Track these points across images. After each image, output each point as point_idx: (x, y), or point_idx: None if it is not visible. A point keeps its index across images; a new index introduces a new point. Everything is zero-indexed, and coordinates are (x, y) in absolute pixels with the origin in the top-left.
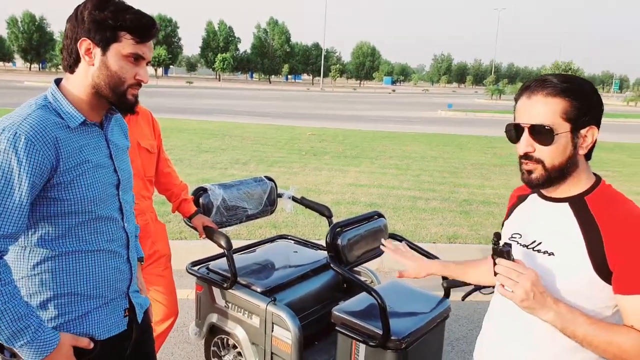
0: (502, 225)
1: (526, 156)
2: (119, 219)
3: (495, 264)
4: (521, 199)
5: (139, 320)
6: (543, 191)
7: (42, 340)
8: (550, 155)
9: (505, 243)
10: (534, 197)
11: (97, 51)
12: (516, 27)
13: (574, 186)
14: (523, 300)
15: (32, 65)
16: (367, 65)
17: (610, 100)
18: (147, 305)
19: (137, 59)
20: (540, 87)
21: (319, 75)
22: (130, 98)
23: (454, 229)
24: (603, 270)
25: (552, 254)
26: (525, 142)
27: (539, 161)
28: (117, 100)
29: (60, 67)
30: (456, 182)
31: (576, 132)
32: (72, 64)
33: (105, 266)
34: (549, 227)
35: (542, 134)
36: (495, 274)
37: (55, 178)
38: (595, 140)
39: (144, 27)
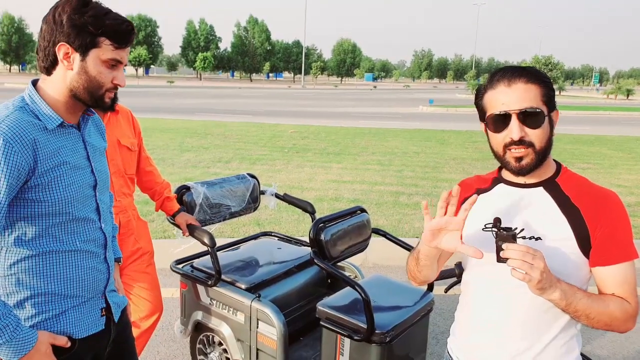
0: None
1: (520, 141)
2: (96, 219)
3: (501, 249)
4: (481, 191)
5: (116, 320)
6: (514, 179)
7: (20, 339)
8: (539, 137)
9: (509, 227)
10: (501, 187)
11: (76, 56)
12: (496, 21)
13: (544, 170)
14: (540, 282)
15: (12, 67)
16: (348, 62)
17: (591, 93)
18: (125, 304)
19: (115, 63)
20: (518, 75)
21: (300, 73)
22: (107, 101)
23: None
24: (586, 247)
25: (539, 238)
26: (518, 128)
27: (530, 144)
28: (94, 103)
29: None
30: (438, 177)
31: (549, 115)
32: (48, 67)
33: (82, 266)
34: (528, 213)
35: (533, 117)
36: (500, 259)
37: (33, 180)
38: None
39: (123, 32)
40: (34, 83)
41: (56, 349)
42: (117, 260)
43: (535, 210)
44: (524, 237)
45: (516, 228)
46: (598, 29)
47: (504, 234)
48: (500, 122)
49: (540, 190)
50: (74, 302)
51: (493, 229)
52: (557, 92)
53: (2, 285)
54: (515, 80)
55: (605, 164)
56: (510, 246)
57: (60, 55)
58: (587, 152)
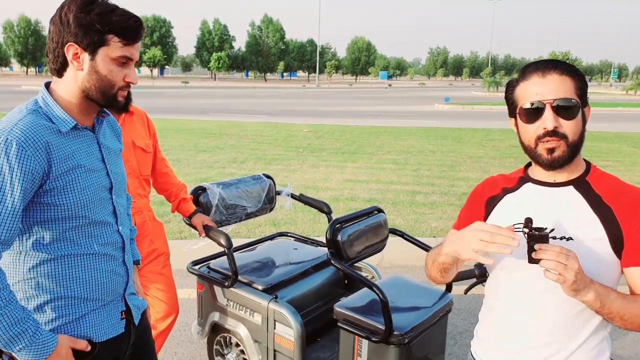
0: (485, 214)
1: (554, 132)
2: (113, 222)
3: (532, 250)
4: (507, 190)
5: (136, 323)
6: (543, 177)
7: (40, 343)
8: (573, 129)
9: (541, 227)
10: (528, 186)
11: (85, 56)
12: (512, 18)
13: (574, 168)
14: (574, 282)
15: (29, 70)
16: (362, 61)
17: (610, 90)
18: (145, 307)
19: (125, 61)
20: (552, 67)
21: (315, 72)
22: (121, 100)
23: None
24: (619, 247)
25: (571, 238)
26: (552, 118)
27: (563, 136)
28: (107, 103)
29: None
30: (455, 176)
31: (582, 109)
32: (59, 68)
33: (101, 269)
34: (559, 213)
35: (568, 108)
36: (532, 260)
37: (48, 183)
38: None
39: (131, 28)
40: (47, 85)
41: (76, 353)
42: (137, 262)
43: (565, 210)
44: (554, 238)
45: (546, 228)
46: (617, 25)
47: (536, 234)
48: (533, 113)
49: (571, 189)
50: (93, 305)
51: (524, 230)
52: None
53: (22, 289)
54: (549, 72)
55: (625, 162)
56: (544, 246)
57: (69, 56)
58: (607, 149)
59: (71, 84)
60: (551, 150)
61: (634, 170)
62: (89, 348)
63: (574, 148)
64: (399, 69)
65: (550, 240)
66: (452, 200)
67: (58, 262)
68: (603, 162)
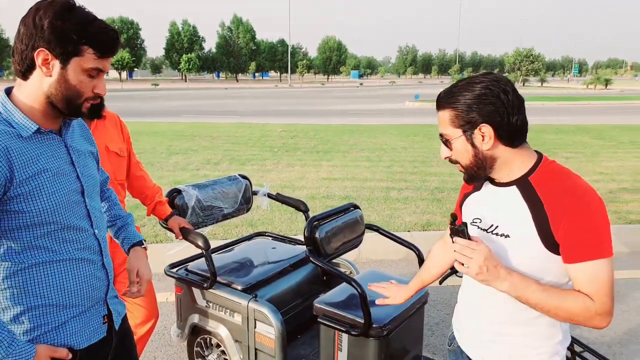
0: (460, 209)
1: (450, 159)
2: (88, 226)
3: (453, 242)
4: (476, 186)
5: (116, 327)
6: (495, 178)
7: (16, 354)
8: (458, 157)
9: (463, 223)
10: (487, 185)
11: (56, 63)
12: (478, 15)
13: (514, 170)
14: (477, 274)
15: None
16: (334, 60)
17: (571, 84)
18: (124, 313)
19: (97, 73)
20: (437, 104)
21: (287, 72)
22: (84, 111)
23: (427, 217)
24: (552, 244)
25: (508, 235)
26: (443, 149)
27: (456, 162)
28: (70, 112)
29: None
30: (427, 171)
31: (470, 133)
32: (24, 71)
33: (78, 275)
34: (502, 211)
35: (445, 141)
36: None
37: (12, 190)
38: (519, 127)
39: (108, 42)
40: (8, 92)
41: None
42: (139, 243)
43: (506, 208)
44: (496, 234)
45: (464, 224)
46: (577, 21)
47: (454, 229)
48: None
49: (513, 188)
50: (73, 312)
51: (449, 225)
52: (538, 84)
53: None
54: (438, 109)
55: (587, 152)
56: (457, 240)
57: (38, 61)
58: (570, 141)
59: (35, 89)
60: (461, 171)
61: (594, 160)
62: (70, 356)
63: (471, 170)
64: (369, 67)
65: (492, 235)
66: (424, 195)
67: (33, 271)
68: (567, 154)
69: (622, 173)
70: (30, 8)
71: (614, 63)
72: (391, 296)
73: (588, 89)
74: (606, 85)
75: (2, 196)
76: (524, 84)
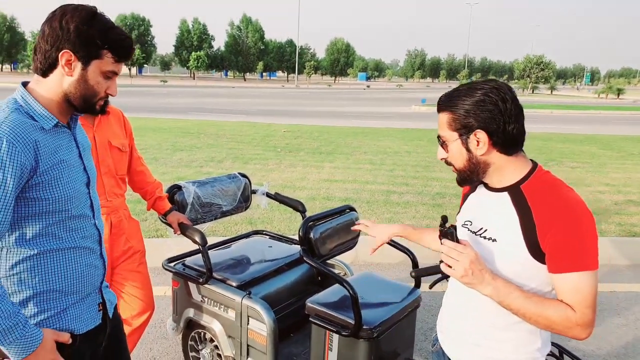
0: (459, 211)
1: (445, 161)
2: (91, 215)
3: (442, 244)
4: (472, 188)
5: (110, 315)
6: (489, 183)
7: (27, 337)
8: (453, 159)
9: (452, 225)
10: (481, 188)
11: (78, 64)
12: (489, 21)
13: (507, 177)
14: (462, 277)
15: (4, 66)
16: (341, 62)
17: (578, 93)
18: (115, 302)
19: (112, 75)
20: (438, 106)
21: (294, 72)
22: (97, 108)
23: (427, 222)
24: (538, 253)
25: (495, 240)
26: (440, 150)
27: (450, 164)
28: (84, 109)
29: (32, 67)
30: (429, 176)
31: (465, 138)
32: (46, 69)
33: (81, 263)
34: (492, 215)
35: (441, 143)
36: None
37: (35, 178)
38: (514, 135)
39: (126, 48)
40: (24, 85)
41: (59, 346)
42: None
43: (496, 214)
44: (484, 237)
45: (453, 226)
46: (591, 29)
47: (442, 231)
48: (440, 145)
49: (505, 195)
50: (74, 298)
51: (439, 227)
52: (548, 92)
53: (5, 285)
54: (439, 110)
55: (594, 163)
56: (445, 242)
57: (62, 61)
58: (577, 150)
59: (55, 86)
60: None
61: (601, 171)
62: (71, 341)
63: (463, 173)
64: (377, 70)
65: (480, 238)
66: (425, 200)
67: (41, 257)
68: (573, 163)
69: (629, 185)
70: (56, 11)
71: (627, 72)
72: (376, 235)
73: (599, 98)
74: (618, 94)
75: (25, 184)
76: (533, 91)
